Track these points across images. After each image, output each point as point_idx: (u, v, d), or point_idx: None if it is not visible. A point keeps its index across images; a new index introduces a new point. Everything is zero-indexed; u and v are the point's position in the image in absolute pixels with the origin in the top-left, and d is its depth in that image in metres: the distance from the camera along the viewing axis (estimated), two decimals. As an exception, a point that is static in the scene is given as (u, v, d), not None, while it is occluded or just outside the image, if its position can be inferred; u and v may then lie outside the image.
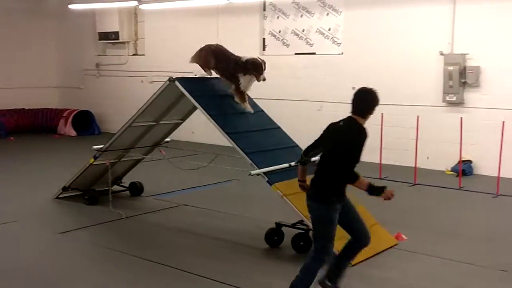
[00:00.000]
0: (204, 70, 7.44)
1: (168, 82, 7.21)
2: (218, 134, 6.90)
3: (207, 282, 5.63)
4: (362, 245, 5.01)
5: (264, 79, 6.99)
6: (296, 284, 4.88)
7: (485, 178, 10.18)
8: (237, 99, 7.15)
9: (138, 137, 8.36)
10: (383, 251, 6.42)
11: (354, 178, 4.72)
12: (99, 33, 15.96)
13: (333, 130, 4.89)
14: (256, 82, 7.06)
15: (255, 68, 6.94)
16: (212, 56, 7.25)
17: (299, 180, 5.25)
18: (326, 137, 4.95)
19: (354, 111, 4.81)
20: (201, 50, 7.39)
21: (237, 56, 7.14)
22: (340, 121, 4.89)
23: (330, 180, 4.74)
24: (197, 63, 7.45)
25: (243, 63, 6.96)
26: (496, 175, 9.40)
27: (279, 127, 7.44)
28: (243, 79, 7.00)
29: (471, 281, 5.65)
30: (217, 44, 7.54)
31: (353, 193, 7.00)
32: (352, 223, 5.00)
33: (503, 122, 9.39)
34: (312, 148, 5.08)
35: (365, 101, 4.77)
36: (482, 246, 6.68)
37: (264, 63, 7.02)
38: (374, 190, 4.75)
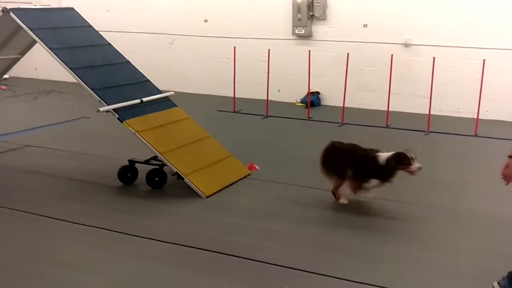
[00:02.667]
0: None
1: (1, 13, 6.55)
2: (64, 70, 6.45)
3: (61, 224, 5.39)
4: None
5: (419, 168, 5.57)
6: None
7: (332, 108, 10.70)
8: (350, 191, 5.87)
9: (-29, 74, 7.61)
10: (237, 181, 6.54)
11: None
12: None
13: None
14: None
15: (402, 162, 5.60)
16: (324, 160, 6.09)
17: None
18: None
19: None
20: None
21: (369, 153, 5.87)
22: None
23: None
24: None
25: (383, 165, 5.65)
26: (342, 105, 9.90)
27: (128, 62, 7.14)
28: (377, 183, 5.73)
29: (317, 203, 5.96)
30: (335, 144, 6.23)
31: (203, 128, 7.05)
32: None
33: (348, 54, 9.83)
34: None
35: None
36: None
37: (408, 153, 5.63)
38: None
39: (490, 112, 9.82)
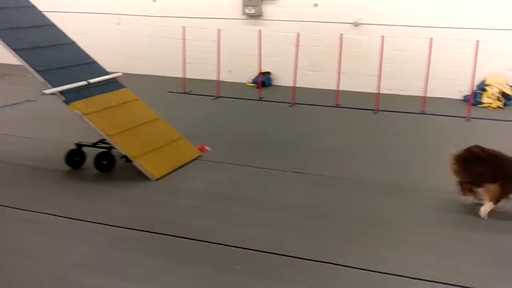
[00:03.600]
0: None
1: None
2: (6, 51, 6.20)
3: (7, 211, 5.22)
4: None
5: None
6: None
7: (283, 89, 10.70)
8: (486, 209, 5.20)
9: None
10: (188, 163, 6.48)
11: None
12: None
13: None
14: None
15: None
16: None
17: None
18: None
19: None
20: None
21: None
22: None
23: None
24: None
25: None
26: (293, 85, 9.92)
27: (73, 42, 6.93)
28: None
29: (269, 184, 5.98)
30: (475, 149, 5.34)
31: (152, 110, 6.94)
32: None
33: (298, 33, 9.82)
34: None
35: None
36: (281, 152, 7.07)
37: None
38: None
39: (437, 90, 10.02)
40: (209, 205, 5.43)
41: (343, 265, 4.30)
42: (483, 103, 9.68)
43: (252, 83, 11.11)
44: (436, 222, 5.11)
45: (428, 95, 9.52)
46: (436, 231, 4.92)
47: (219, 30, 10.16)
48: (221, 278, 4.15)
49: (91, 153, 6.29)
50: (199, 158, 6.67)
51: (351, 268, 4.26)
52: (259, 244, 4.60)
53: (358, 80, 10.51)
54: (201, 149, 6.87)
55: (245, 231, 4.88)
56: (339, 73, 9.74)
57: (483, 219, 5.13)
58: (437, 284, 4.06)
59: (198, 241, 4.67)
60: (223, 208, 5.36)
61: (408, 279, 4.13)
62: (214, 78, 10.47)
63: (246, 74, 11.23)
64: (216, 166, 6.49)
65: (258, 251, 4.51)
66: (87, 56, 6.90)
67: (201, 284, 4.09)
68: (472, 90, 9.48)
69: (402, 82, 10.37)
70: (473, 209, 5.27)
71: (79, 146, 6.38)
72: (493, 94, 9.68)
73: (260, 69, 10.52)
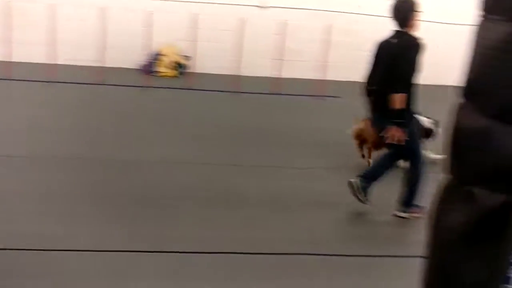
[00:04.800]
0: None
1: None
2: None
3: None
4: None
5: None
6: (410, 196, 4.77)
7: None
8: None
9: None
10: None
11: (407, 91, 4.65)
12: None
13: (388, 47, 4.74)
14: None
15: None
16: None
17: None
18: (382, 56, 4.77)
19: (398, 24, 4.69)
20: None
21: None
22: (391, 37, 4.74)
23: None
24: None
25: None
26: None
27: None
28: None
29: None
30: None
31: None
32: None
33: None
34: (374, 74, 4.82)
35: (402, 11, 4.68)
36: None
37: None
38: (403, 117, 4.61)
39: (113, 59, 9.74)
40: None
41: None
42: (160, 72, 9.93)
43: None
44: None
45: (105, 65, 9.33)
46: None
47: None
48: None
49: None
50: None
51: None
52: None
53: (29, 50, 9.68)
54: None
55: None
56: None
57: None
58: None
59: None
60: None
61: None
62: None
63: None
64: None
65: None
66: None
67: None
68: (148, 60, 9.64)
69: (83, 52, 9.85)
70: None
71: None
72: (169, 63, 10.00)
73: None
